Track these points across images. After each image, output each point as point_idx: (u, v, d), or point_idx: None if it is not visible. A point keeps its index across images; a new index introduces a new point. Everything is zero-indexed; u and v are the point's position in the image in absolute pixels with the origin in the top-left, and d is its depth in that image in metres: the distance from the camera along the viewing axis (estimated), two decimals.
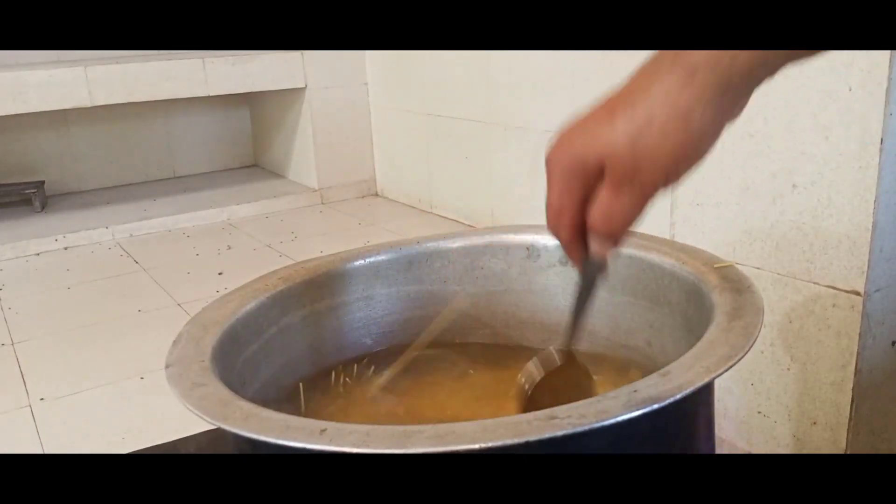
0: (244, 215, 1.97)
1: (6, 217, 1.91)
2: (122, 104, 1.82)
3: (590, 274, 0.43)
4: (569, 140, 0.37)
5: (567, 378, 0.48)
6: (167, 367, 0.47)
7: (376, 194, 2.12)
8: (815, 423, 0.81)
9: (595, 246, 0.39)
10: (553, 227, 0.40)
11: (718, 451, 0.54)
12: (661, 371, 0.40)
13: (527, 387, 0.47)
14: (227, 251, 1.68)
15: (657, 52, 0.35)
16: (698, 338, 0.44)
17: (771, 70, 0.33)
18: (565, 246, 0.40)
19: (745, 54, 0.32)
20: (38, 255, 1.71)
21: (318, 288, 0.63)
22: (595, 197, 0.37)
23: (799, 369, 0.82)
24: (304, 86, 2.00)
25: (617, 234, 0.38)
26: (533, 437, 0.35)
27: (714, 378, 0.40)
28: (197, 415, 0.41)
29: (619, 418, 0.36)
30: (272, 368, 0.59)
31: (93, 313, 1.35)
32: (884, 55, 0.68)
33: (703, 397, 0.48)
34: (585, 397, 0.39)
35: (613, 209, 0.37)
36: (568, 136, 0.38)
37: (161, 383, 0.46)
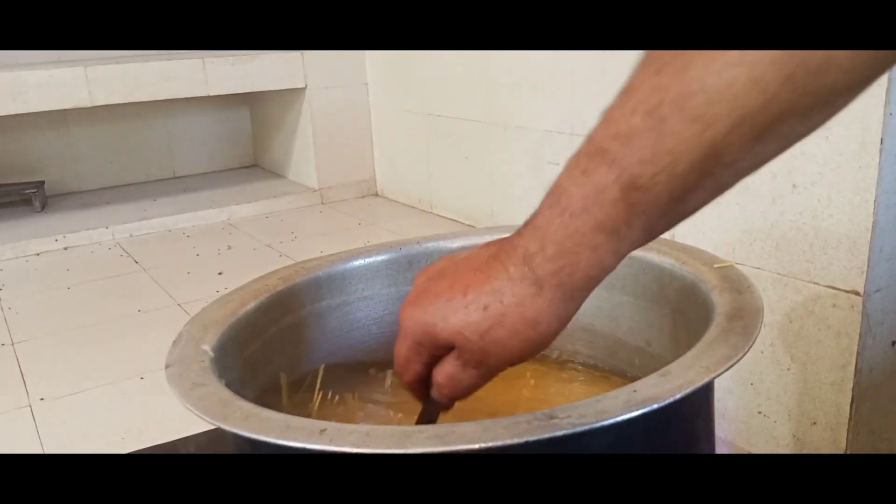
0: (244, 215, 1.97)
1: (6, 217, 1.91)
2: (122, 104, 1.82)
3: (430, 412, 0.45)
4: (424, 304, 0.40)
5: None
6: (167, 367, 0.47)
7: (376, 194, 2.12)
8: (815, 423, 0.81)
9: (436, 395, 0.42)
10: (398, 373, 0.43)
11: (718, 451, 0.54)
12: (661, 371, 0.40)
13: None
14: (227, 251, 1.68)
15: (506, 240, 0.37)
16: (698, 338, 0.44)
17: (609, 271, 0.36)
18: (407, 388, 0.44)
19: (583, 268, 0.35)
20: (38, 255, 1.71)
21: (318, 288, 0.63)
22: (443, 360, 0.40)
23: (799, 369, 0.82)
24: (304, 86, 2.00)
25: (459, 397, 0.42)
26: (533, 437, 0.35)
27: (714, 378, 0.40)
28: (197, 415, 0.41)
29: (619, 418, 0.36)
30: (272, 368, 0.59)
31: (93, 313, 1.35)
32: None
33: (703, 397, 0.48)
34: None
35: (459, 379, 0.40)
36: (425, 297, 0.40)
37: (161, 383, 0.46)
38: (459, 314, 0.38)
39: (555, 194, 0.35)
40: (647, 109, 0.31)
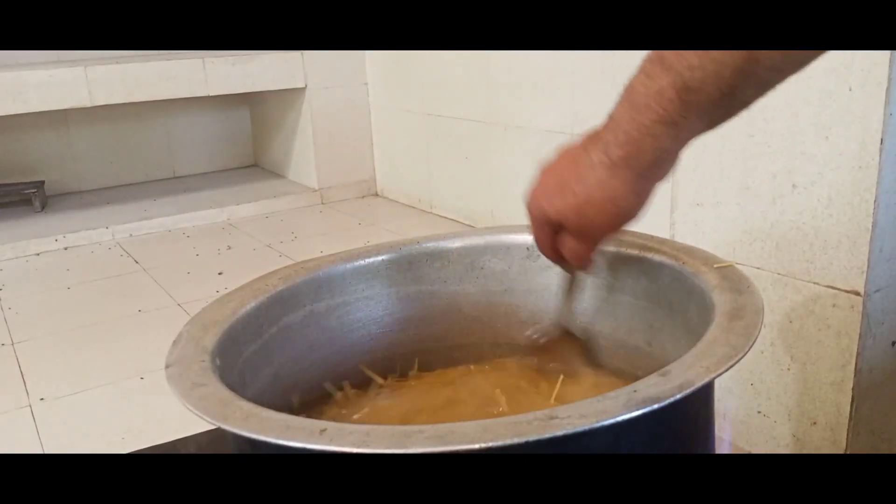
0: (244, 215, 1.97)
1: (6, 217, 1.91)
2: (122, 104, 1.82)
3: (571, 273, 0.59)
4: (537, 199, 0.51)
5: (567, 344, 0.62)
6: (167, 367, 0.47)
7: (376, 194, 2.12)
8: (815, 423, 0.81)
9: (570, 265, 0.54)
10: (540, 250, 0.54)
11: (718, 451, 0.54)
12: (661, 371, 0.40)
13: (538, 337, 0.62)
14: (227, 251, 1.68)
15: (593, 131, 0.46)
16: (698, 338, 0.44)
17: (675, 155, 0.43)
18: (552, 261, 0.54)
19: (648, 151, 0.42)
20: (38, 255, 1.71)
21: (318, 288, 0.63)
22: (561, 235, 0.51)
23: (799, 369, 0.82)
24: (304, 86, 2.00)
25: (583, 262, 0.52)
26: (533, 437, 0.35)
27: (714, 378, 0.40)
28: (197, 415, 0.41)
29: (619, 418, 0.36)
30: (272, 368, 0.59)
31: (93, 313, 1.35)
32: (884, 55, 0.68)
33: (703, 397, 0.48)
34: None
35: (574, 249, 0.50)
36: (537, 194, 0.51)
37: (161, 383, 0.46)
38: (559, 199, 0.48)
39: (627, 92, 0.42)
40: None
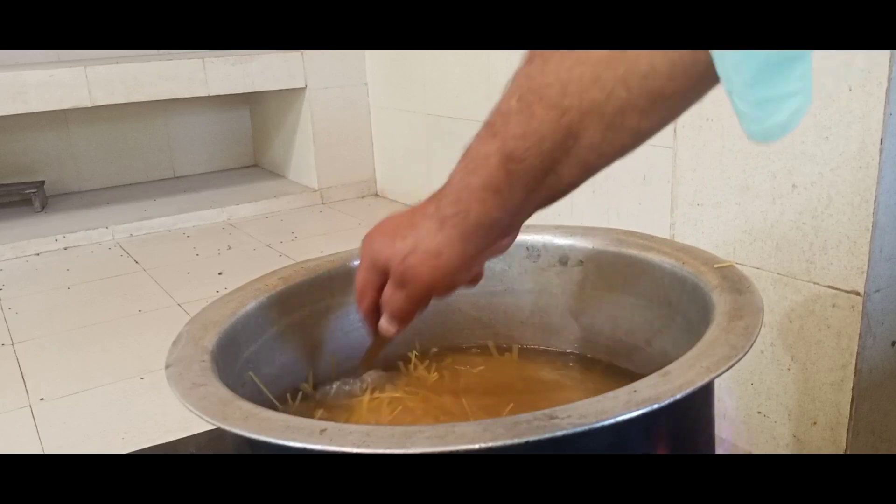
0: (244, 215, 1.97)
1: (6, 217, 1.91)
2: (122, 104, 1.82)
3: (377, 342, 0.56)
4: (370, 242, 0.50)
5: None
6: (167, 367, 0.47)
7: (376, 194, 2.12)
8: (815, 423, 0.81)
9: (383, 322, 0.51)
10: (357, 300, 0.52)
11: (718, 451, 0.54)
12: (661, 371, 0.40)
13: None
14: (227, 251, 1.68)
15: (433, 194, 0.45)
16: (698, 338, 0.44)
17: (506, 226, 0.43)
18: (363, 316, 0.53)
19: (473, 215, 0.42)
20: (38, 255, 1.71)
21: (318, 288, 0.63)
22: (388, 286, 0.50)
23: (799, 369, 0.82)
24: (304, 86, 2.00)
25: (396, 316, 0.50)
26: (533, 437, 0.35)
27: (714, 378, 0.40)
28: (197, 415, 0.41)
29: (619, 418, 0.36)
30: (272, 368, 0.59)
31: (93, 313, 1.35)
32: (884, 55, 0.68)
33: (703, 397, 0.48)
34: None
35: (392, 299, 0.49)
36: (372, 236, 0.50)
37: (161, 383, 0.46)
38: (389, 243, 0.48)
39: (464, 153, 0.42)
40: (520, 94, 0.38)
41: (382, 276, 0.49)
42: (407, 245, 0.46)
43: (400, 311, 0.49)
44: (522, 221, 0.44)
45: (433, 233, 0.45)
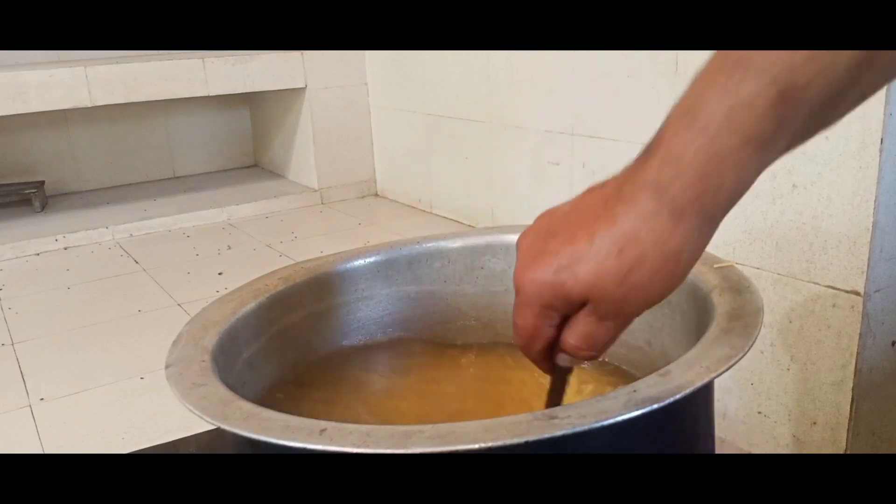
0: (244, 215, 1.97)
1: (6, 217, 1.91)
2: (122, 104, 1.82)
3: (559, 380, 0.43)
4: (545, 261, 0.36)
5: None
6: (167, 367, 0.47)
7: (376, 194, 2.12)
8: (815, 423, 0.81)
9: (565, 359, 0.40)
10: (523, 347, 0.40)
11: (718, 451, 0.54)
12: (661, 371, 0.40)
13: None
14: (227, 251, 1.68)
15: (625, 173, 0.35)
16: (698, 338, 0.44)
17: (742, 195, 0.34)
18: (534, 362, 0.41)
19: (727, 188, 0.33)
20: (38, 255, 1.71)
21: (318, 288, 0.63)
22: (572, 320, 0.37)
23: (799, 369, 0.82)
24: (304, 86, 2.00)
25: (597, 355, 0.39)
26: (533, 437, 0.35)
27: (714, 378, 0.40)
28: (197, 415, 0.41)
29: (619, 418, 0.36)
30: (272, 368, 0.59)
31: (93, 313, 1.35)
32: None
33: (703, 397, 0.48)
34: None
35: (597, 336, 0.37)
36: (543, 254, 0.36)
37: (161, 383, 0.46)
38: (591, 265, 0.35)
39: (687, 115, 0.32)
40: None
41: (568, 311, 0.37)
42: (626, 260, 0.34)
43: (606, 345, 0.38)
44: None
45: (668, 232, 0.33)
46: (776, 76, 0.30)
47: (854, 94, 0.31)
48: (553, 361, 0.40)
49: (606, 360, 0.64)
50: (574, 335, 0.37)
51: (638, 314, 0.36)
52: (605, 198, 0.35)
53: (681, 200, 0.33)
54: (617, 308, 0.35)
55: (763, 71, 0.30)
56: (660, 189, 0.33)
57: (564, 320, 0.38)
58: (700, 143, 0.32)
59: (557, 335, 0.38)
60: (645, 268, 0.34)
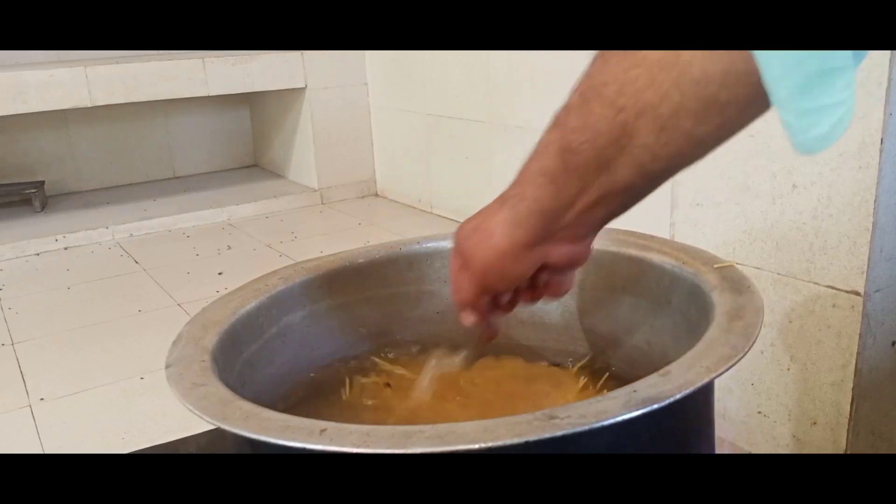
0: (244, 215, 1.97)
1: (6, 217, 1.91)
2: (122, 104, 1.82)
3: (476, 337, 0.55)
4: (459, 226, 0.49)
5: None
6: (167, 367, 0.47)
7: (376, 194, 2.12)
8: (815, 423, 0.81)
9: (455, 308, 0.51)
10: (451, 291, 0.51)
11: (718, 451, 0.54)
12: (661, 371, 0.40)
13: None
14: (227, 251, 1.68)
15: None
16: (698, 338, 0.44)
17: (550, 212, 0.43)
18: (458, 304, 0.52)
19: (528, 199, 0.43)
20: (38, 255, 1.71)
21: (318, 288, 0.63)
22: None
23: (799, 369, 0.82)
24: (304, 86, 2.00)
25: (462, 302, 0.50)
26: (533, 437, 0.35)
27: (714, 378, 0.40)
28: (197, 415, 0.41)
29: (619, 418, 0.36)
30: (272, 368, 0.59)
31: (93, 313, 1.35)
32: (884, 55, 0.68)
33: (703, 397, 0.48)
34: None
35: (458, 281, 0.49)
36: (462, 223, 0.49)
37: (161, 383, 0.46)
38: (468, 222, 0.48)
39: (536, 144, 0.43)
40: (581, 91, 0.39)
41: (460, 259, 0.49)
42: (472, 223, 0.47)
43: (466, 295, 0.49)
44: (579, 227, 0.43)
45: (493, 212, 0.45)
46: (563, 134, 0.40)
47: (624, 169, 0.38)
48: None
49: (604, 359, 0.64)
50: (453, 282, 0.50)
51: (477, 276, 0.47)
52: (493, 205, 0.47)
53: (505, 195, 0.44)
54: (465, 260, 0.48)
55: (557, 126, 0.40)
56: (511, 183, 0.44)
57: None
58: (525, 163, 0.43)
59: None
60: (477, 233, 0.46)
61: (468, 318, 0.51)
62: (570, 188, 0.41)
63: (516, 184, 0.43)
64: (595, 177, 0.40)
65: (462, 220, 0.49)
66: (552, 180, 0.41)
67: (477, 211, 0.49)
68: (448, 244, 0.68)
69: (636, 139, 0.37)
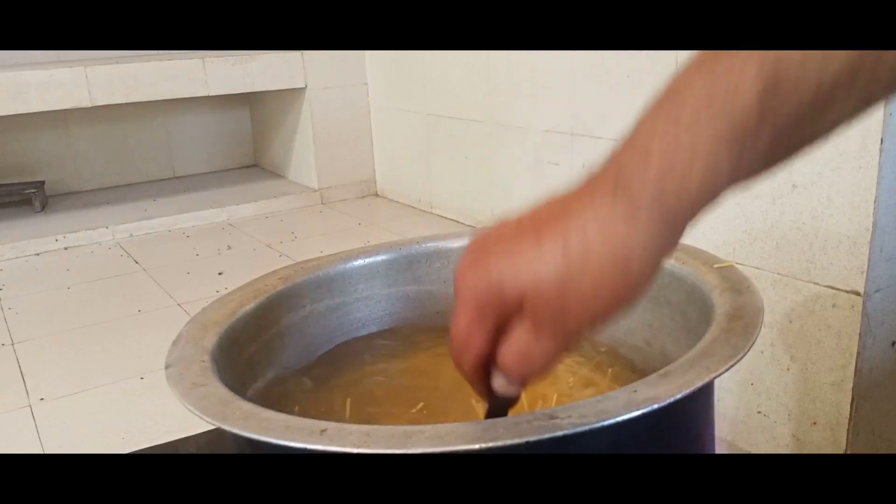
0: (244, 215, 1.97)
1: (6, 217, 1.91)
2: (122, 104, 1.82)
3: (498, 407, 0.38)
4: (486, 261, 0.32)
5: None
6: (167, 367, 0.47)
7: (376, 194, 2.12)
8: (815, 423, 0.81)
9: (501, 383, 0.35)
10: (456, 358, 0.35)
11: (718, 451, 0.54)
12: (661, 371, 0.40)
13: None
14: (227, 251, 1.68)
15: (595, 171, 0.32)
16: (698, 338, 0.44)
17: (711, 201, 0.30)
18: (468, 379, 0.37)
19: (694, 186, 0.29)
20: (38, 255, 1.71)
21: (318, 288, 0.63)
22: (509, 331, 0.33)
23: (799, 369, 0.82)
24: (304, 86, 2.00)
25: (532, 376, 0.35)
26: (533, 437, 0.35)
27: (714, 378, 0.40)
28: (197, 415, 0.41)
29: (619, 418, 0.36)
30: (272, 368, 0.59)
31: (93, 313, 1.35)
32: None
33: (703, 397, 0.48)
34: None
35: (532, 352, 0.32)
36: (486, 254, 0.32)
37: (161, 383, 0.46)
38: (533, 265, 0.30)
39: (663, 104, 0.29)
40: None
41: (503, 316, 0.33)
42: (570, 257, 0.30)
43: (542, 366, 0.33)
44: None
45: (621, 226, 0.29)
46: (765, 64, 0.27)
47: (846, 103, 0.28)
48: (488, 384, 0.36)
49: (604, 359, 0.64)
50: (509, 350, 0.33)
51: (579, 331, 0.32)
52: (564, 199, 0.32)
53: (640, 194, 0.29)
54: (555, 318, 0.31)
55: (751, 58, 0.27)
56: (620, 182, 0.29)
57: (500, 334, 0.34)
58: (672, 134, 0.28)
59: (492, 350, 0.34)
60: (589, 272, 0.30)
61: (515, 392, 0.35)
62: (757, 153, 0.29)
63: (663, 173, 0.29)
64: (800, 120, 0.28)
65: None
66: (740, 141, 0.28)
67: (491, 234, 0.33)
68: (448, 244, 0.68)
69: (885, 57, 0.27)
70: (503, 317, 0.32)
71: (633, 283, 0.31)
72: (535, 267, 0.30)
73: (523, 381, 0.35)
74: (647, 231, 0.29)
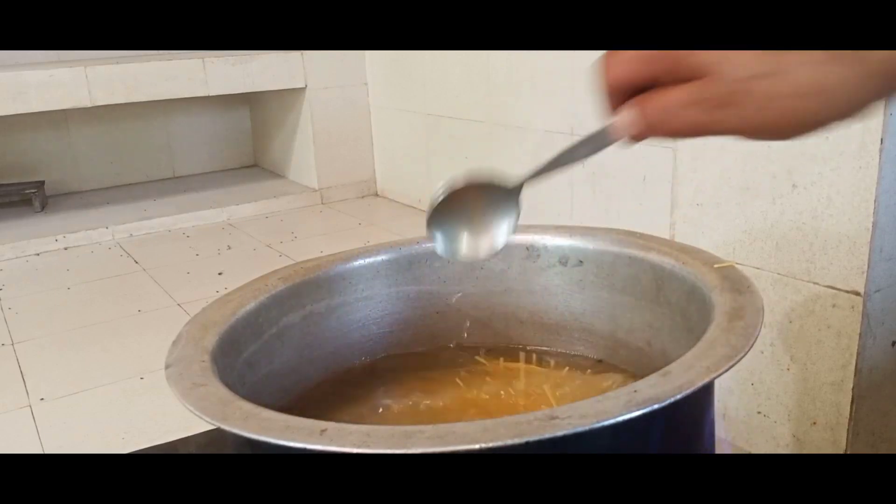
0: (244, 215, 1.97)
1: (6, 217, 1.91)
2: (122, 104, 1.82)
3: (601, 137, 0.37)
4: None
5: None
6: (167, 367, 0.47)
7: (376, 194, 2.12)
8: (815, 423, 0.81)
9: (624, 119, 0.34)
10: (602, 66, 0.34)
11: (718, 451, 0.54)
12: (661, 371, 0.40)
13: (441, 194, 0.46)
14: (227, 251, 1.68)
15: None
16: (698, 338, 0.44)
17: None
18: (605, 90, 0.35)
19: None
20: (38, 255, 1.71)
21: (318, 288, 0.63)
22: (669, 87, 0.31)
23: (799, 369, 0.82)
24: (304, 86, 2.00)
25: (653, 131, 0.33)
26: (533, 437, 0.35)
27: (714, 378, 0.40)
28: (197, 415, 0.41)
29: (619, 418, 0.36)
30: (272, 368, 0.59)
31: (93, 313, 1.35)
32: None
33: (703, 397, 0.48)
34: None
35: (677, 113, 0.31)
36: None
37: (161, 383, 0.46)
38: (728, 53, 0.30)
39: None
40: None
41: (666, 71, 0.32)
42: (766, 63, 0.29)
43: (676, 130, 0.32)
44: None
45: (822, 64, 0.29)
46: None
47: None
48: (614, 108, 0.35)
49: (606, 360, 0.64)
50: (655, 98, 0.32)
51: (733, 128, 0.31)
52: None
53: (868, 57, 0.28)
54: (726, 100, 0.30)
55: None
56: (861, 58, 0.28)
57: (654, 83, 0.33)
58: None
59: (637, 86, 0.33)
60: (780, 77, 0.29)
61: (634, 131, 0.34)
62: None
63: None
64: None
65: None
66: None
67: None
68: None
69: None
70: (669, 70, 0.31)
71: (817, 106, 0.29)
72: (729, 53, 0.30)
73: (642, 132, 0.34)
74: (849, 69, 0.29)
